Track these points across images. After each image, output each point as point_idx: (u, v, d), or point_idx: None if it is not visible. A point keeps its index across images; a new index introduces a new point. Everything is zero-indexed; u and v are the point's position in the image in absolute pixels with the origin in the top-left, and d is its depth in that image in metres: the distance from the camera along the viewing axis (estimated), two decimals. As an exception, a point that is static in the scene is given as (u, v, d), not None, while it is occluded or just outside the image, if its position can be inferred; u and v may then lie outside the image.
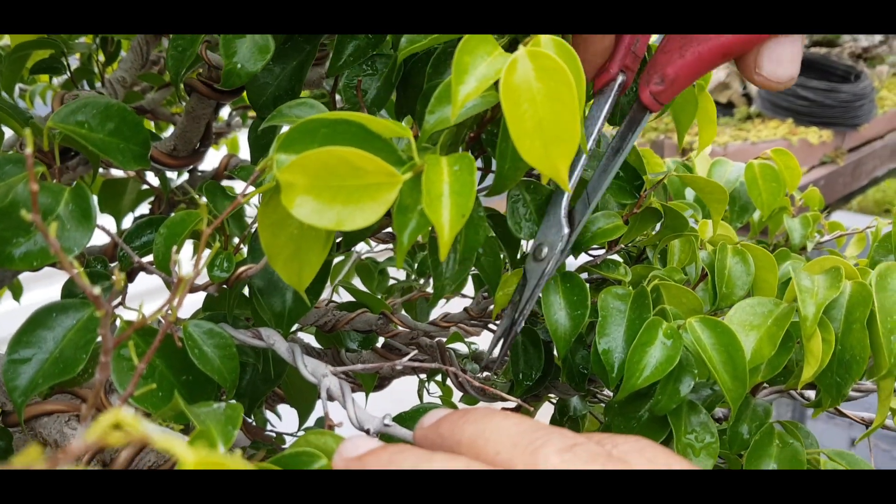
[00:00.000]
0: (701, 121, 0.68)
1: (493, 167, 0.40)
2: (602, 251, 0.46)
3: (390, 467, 0.24)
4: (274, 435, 0.65)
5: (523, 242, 0.44)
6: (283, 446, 0.57)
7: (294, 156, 0.26)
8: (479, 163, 0.45)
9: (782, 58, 0.37)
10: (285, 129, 0.28)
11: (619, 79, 0.38)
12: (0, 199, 0.28)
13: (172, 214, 0.32)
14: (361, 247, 0.84)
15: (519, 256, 0.44)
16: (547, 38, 0.29)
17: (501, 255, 0.43)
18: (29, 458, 0.15)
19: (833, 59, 1.87)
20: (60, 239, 0.27)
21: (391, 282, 0.88)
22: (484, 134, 0.37)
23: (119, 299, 0.35)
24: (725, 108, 1.95)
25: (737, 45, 0.36)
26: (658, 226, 0.51)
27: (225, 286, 0.34)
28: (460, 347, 0.62)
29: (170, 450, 0.14)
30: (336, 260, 0.79)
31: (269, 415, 0.70)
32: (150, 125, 0.85)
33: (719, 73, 2.02)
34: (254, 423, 0.64)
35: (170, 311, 0.26)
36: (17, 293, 0.81)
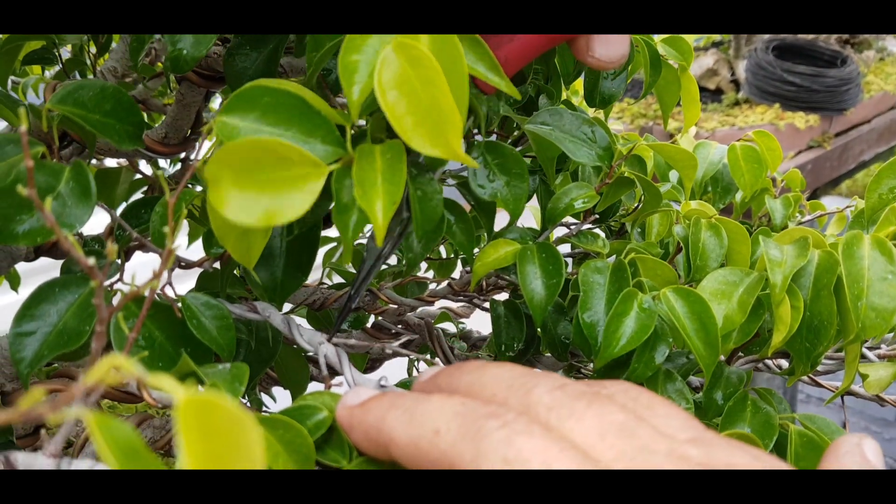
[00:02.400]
0: (684, 101, 0.70)
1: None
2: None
3: (392, 410, 0.25)
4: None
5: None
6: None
7: (237, 118, 0.27)
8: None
9: (610, 38, 0.38)
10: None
11: None
12: (2, 178, 0.30)
13: (163, 199, 0.34)
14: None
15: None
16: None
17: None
18: (32, 398, 0.16)
19: (820, 45, 1.89)
20: (62, 216, 0.29)
21: (383, 266, 0.90)
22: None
23: (118, 276, 0.36)
24: (714, 95, 1.97)
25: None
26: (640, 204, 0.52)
27: (216, 265, 0.36)
28: (449, 327, 0.63)
29: (161, 387, 0.16)
30: (329, 246, 0.81)
31: (264, 398, 0.72)
32: (143, 115, 0.86)
33: (707, 60, 2.04)
34: (248, 405, 0.66)
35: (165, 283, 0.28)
36: (14, 283, 0.82)
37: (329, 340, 0.35)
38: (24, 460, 0.31)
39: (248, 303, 0.37)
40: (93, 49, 0.83)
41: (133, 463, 0.16)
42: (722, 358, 0.46)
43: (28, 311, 0.32)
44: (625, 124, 1.84)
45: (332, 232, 0.82)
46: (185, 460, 0.15)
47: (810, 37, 1.99)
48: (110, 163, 0.84)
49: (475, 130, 0.46)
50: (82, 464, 0.30)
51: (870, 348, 0.48)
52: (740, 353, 0.46)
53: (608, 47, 0.38)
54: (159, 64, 0.78)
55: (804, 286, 0.38)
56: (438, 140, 0.27)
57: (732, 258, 0.45)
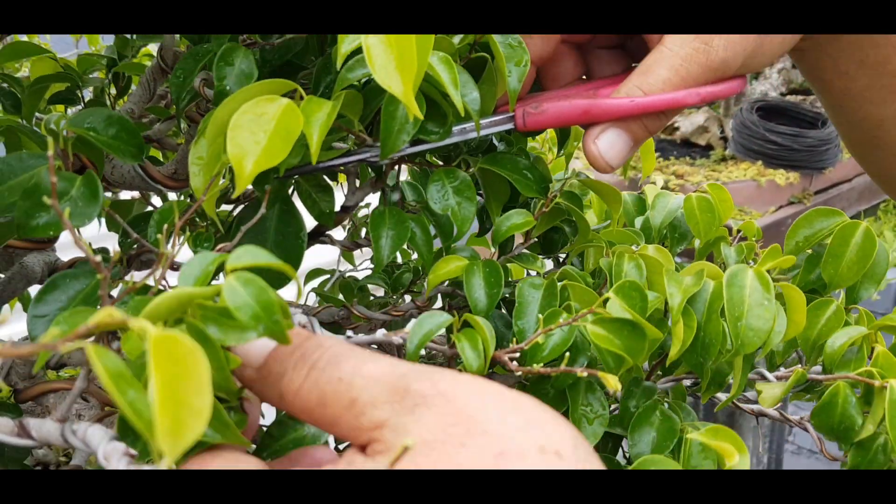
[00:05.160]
0: (642, 152, 0.79)
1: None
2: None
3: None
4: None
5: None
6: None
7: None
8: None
9: (617, 144, 0.47)
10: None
11: (511, 114, 0.47)
12: (25, 183, 0.38)
13: (162, 204, 0.41)
14: (344, 266, 0.92)
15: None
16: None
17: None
18: (51, 335, 0.23)
19: (803, 107, 1.97)
20: (73, 214, 0.37)
21: (371, 297, 0.97)
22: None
23: (124, 276, 0.44)
24: (704, 151, 2.05)
25: (597, 116, 0.46)
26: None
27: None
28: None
29: (139, 328, 0.23)
30: (322, 278, 0.88)
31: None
32: (158, 154, 0.95)
33: (699, 117, 2.13)
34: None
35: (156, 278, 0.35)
36: (27, 305, 0.90)
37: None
38: (35, 425, 0.38)
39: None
40: (113, 91, 0.92)
41: (120, 383, 0.23)
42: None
43: (42, 296, 0.39)
44: (616, 175, 1.92)
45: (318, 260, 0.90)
46: (154, 379, 0.22)
47: (798, 98, 2.08)
48: (125, 195, 0.93)
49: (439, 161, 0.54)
50: (84, 427, 0.37)
51: (774, 371, 0.54)
52: (659, 372, 0.53)
53: (610, 149, 0.47)
54: (173, 108, 0.87)
55: (699, 310, 0.46)
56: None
57: (652, 287, 0.52)
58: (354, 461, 0.27)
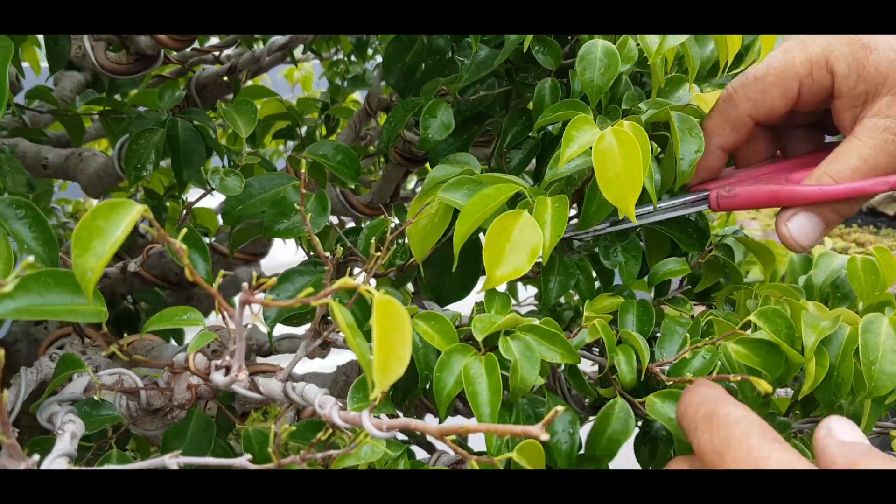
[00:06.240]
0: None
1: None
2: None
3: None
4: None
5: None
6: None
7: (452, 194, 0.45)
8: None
9: (806, 227, 0.50)
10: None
11: (706, 194, 0.52)
12: (273, 196, 0.49)
13: (369, 222, 0.52)
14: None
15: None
16: (628, 123, 0.46)
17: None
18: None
19: None
20: (309, 222, 0.47)
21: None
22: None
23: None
24: (891, 220, 1.96)
25: (785, 200, 0.50)
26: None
27: (402, 271, 0.53)
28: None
29: (364, 291, 0.32)
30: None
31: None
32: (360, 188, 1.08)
33: (887, 187, 2.04)
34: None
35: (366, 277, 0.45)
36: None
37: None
38: (263, 382, 0.48)
39: (417, 299, 0.54)
40: (323, 131, 1.07)
41: (353, 330, 0.32)
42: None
43: (276, 287, 0.50)
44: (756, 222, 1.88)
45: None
46: (376, 327, 0.31)
47: None
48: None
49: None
50: (302, 386, 0.46)
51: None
52: (797, 412, 0.56)
53: (801, 231, 0.50)
54: (371, 147, 0.99)
55: (833, 352, 0.49)
56: (620, 197, 0.45)
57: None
58: None
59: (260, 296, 0.34)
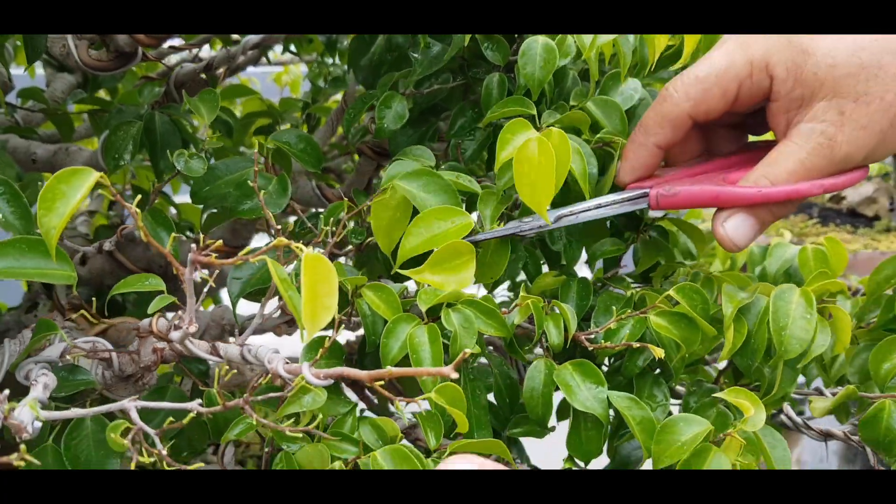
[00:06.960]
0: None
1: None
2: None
3: None
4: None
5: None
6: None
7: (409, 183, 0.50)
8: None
9: (742, 227, 0.51)
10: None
11: (642, 192, 0.54)
12: (238, 178, 0.54)
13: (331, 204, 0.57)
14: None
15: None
16: (556, 130, 0.50)
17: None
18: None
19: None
20: (269, 203, 0.52)
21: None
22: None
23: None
24: (869, 221, 2.00)
25: (725, 202, 0.52)
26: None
27: (360, 251, 0.58)
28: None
29: (296, 247, 0.36)
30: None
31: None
32: (335, 181, 1.12)
33: (867, 188, 2.09)
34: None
35: (320, 249, 0.49)
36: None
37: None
38: (223, 347, 0.52)
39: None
40: (304, 129, 1.11)
41: (286, 284, 0.37)
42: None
43: (241, 266, 0.54)
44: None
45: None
46: (304, 279, 0.35)
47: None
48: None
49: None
50: (256, 348, 0.50)
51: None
52: (726, 380, 0.61)
53: (736, 231, 0.51)
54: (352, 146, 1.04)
55: (751, 320, 0.54)
56: (533, 200, 0.50)
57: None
58: None
59: (207, 257, 0.38)
